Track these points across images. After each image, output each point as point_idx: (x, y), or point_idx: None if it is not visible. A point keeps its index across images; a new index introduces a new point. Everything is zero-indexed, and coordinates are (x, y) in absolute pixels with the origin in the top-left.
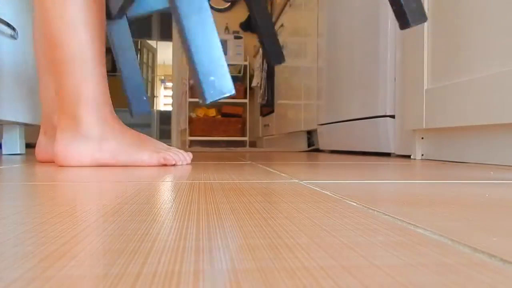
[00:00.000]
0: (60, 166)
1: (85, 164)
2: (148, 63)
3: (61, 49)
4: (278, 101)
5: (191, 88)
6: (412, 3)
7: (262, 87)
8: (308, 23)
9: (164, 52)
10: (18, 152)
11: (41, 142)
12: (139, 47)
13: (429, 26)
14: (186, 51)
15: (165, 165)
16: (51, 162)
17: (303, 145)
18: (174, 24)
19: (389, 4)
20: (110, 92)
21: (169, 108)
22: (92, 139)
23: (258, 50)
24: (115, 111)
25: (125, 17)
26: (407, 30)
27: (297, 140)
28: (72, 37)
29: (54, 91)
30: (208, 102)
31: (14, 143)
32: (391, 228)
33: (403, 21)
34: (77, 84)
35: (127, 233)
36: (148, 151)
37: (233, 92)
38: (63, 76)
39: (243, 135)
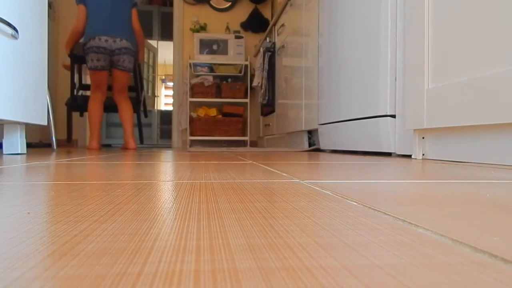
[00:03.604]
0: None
1: None
2: (149, 63)
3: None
4: (279, 101)
5: (192, 88)
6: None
7: (263, 87)
8: (309, 23)
9: (165, 52)
10: (19, 151)
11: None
12: None
13: (430, 25)
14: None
15: None
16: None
17: (304, 145)
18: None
19: (389, 3)
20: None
21: (170, 107)
22: None
23: (259, 50)
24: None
25: None
26: (408, 29)
27: (298, 139)
28: None
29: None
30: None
31: (15, 142)
32: (392, 228)
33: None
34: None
35: (128, 232)
36: None
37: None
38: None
39: (244, 134)
